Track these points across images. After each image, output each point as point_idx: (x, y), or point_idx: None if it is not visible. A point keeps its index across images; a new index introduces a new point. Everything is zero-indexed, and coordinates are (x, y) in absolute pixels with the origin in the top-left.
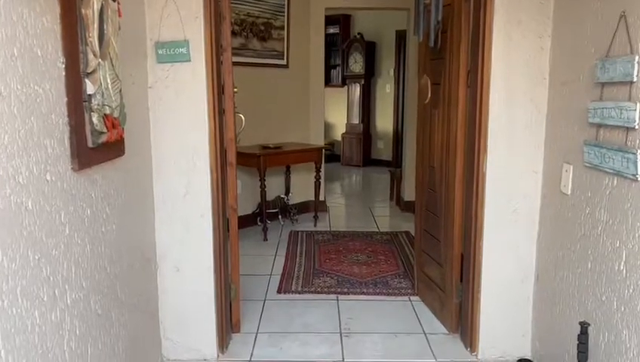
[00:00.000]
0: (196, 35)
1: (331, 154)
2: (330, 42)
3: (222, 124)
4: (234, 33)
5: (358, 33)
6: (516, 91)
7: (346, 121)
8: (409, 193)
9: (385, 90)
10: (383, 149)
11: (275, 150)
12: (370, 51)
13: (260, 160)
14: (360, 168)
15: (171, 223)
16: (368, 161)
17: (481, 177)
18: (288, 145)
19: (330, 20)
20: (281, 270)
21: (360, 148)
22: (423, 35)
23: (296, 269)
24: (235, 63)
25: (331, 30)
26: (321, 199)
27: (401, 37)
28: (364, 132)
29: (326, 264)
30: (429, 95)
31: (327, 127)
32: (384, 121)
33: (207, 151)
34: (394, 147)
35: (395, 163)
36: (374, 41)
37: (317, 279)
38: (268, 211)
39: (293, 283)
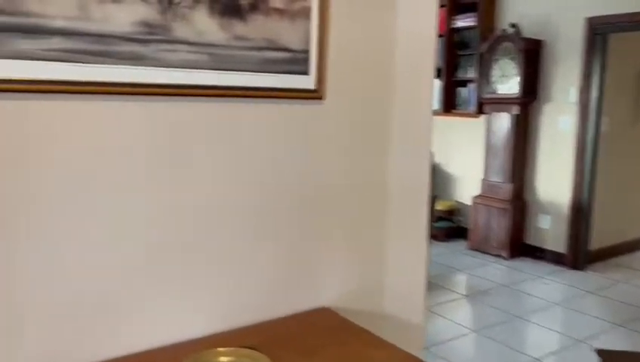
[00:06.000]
0: None
1: (453, 227)
2: (459, 42)
3: None
4: None
5: (512, 25)
6: None
7: (482, 176)
8: None
9: (557, 126)
10: (549, 231)
11: None
12: (532, 56)
13: None
14: (503, 261)
15: None
16: (520, 248)
17: None
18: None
19: (459, 7)
20: None
21: (507, 226)
22: None
23: None
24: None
25: (460, 23)
26: None
27: (594, 30)
28: (515, 197)
29: None
30: None
31: (447, 181)
32: (554, 181)
33: None
34: (572, 229)
35: (574, 260)
36: (540, 38)
37: None
38: None
39: None
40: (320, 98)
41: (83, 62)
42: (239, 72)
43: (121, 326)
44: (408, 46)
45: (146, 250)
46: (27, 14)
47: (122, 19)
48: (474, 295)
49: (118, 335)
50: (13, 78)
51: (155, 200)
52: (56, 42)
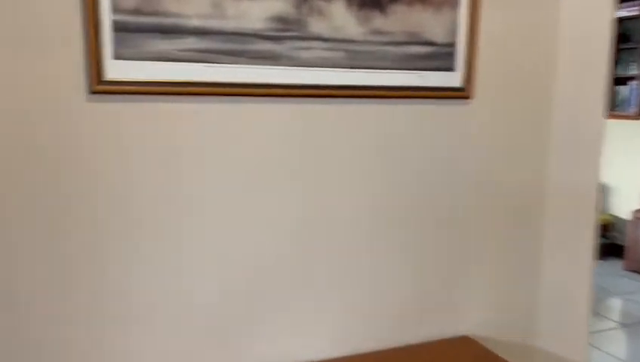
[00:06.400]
0: None
1: (607, 244)
2: (621, 34)
3: None
4: None
5: None
6: None
7: None
8: None
9: None
10: None
11: None
12: None
13: None
14: None
15: None
16: None
17: None
18: None
19: None
20: None
21: None
22: None
23: None
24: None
25: (623, 12)
26: None
27: None
28: None
29: None
30: None
31: (602, 192)
32: None
33: None
34: None
35: None
36: None
37: None
38: None
39: None
40: (467, 97)
41: (217, 63)
42: (377, 70)
43: (247, 341)
44: (574, 38)
45: (275, 262)
46: (165, 14)
47: (256, 16)
48: (635, 325)
49: (246, 349)
50: (156, 81)
51: (283, 208)
52: (192, 42)
